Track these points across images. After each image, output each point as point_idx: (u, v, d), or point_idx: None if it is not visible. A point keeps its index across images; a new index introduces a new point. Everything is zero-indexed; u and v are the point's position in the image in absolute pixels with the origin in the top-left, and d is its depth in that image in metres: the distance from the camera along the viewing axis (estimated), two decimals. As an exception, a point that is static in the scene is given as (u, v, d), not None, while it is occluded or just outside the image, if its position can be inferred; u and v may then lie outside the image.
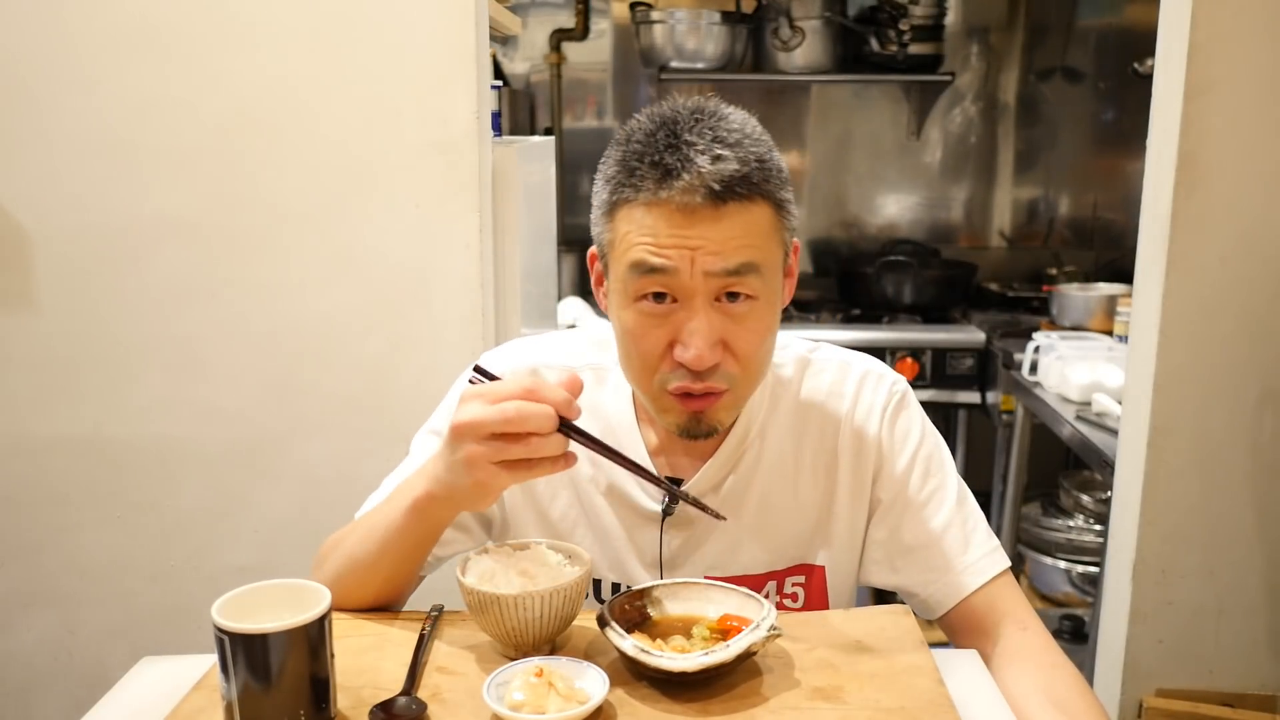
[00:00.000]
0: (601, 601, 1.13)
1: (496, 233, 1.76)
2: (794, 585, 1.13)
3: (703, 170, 0.92)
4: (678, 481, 1.10)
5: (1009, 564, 1.11)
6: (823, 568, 1.13)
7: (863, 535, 1.14)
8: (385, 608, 1.06)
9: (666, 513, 1.10)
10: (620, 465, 0.95)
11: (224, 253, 1.68)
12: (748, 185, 0.94)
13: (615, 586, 1.13)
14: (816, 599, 1.14)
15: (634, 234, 0.96)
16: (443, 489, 0.94)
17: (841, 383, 1.14)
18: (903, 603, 1.08)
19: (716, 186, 0.92)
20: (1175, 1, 1.62)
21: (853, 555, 1.14)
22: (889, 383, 1.14)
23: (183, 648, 1.02)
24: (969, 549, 1.10)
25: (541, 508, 1.14)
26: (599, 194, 1.01)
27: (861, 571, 1.15)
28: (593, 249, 1.05)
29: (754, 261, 0.96)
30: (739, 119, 0.98)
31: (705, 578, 1.09)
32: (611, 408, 1.13)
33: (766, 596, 1.12)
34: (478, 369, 0.96)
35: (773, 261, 0.98)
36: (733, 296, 0.97)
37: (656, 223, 0.94)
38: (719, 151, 0.93)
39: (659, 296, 0.97)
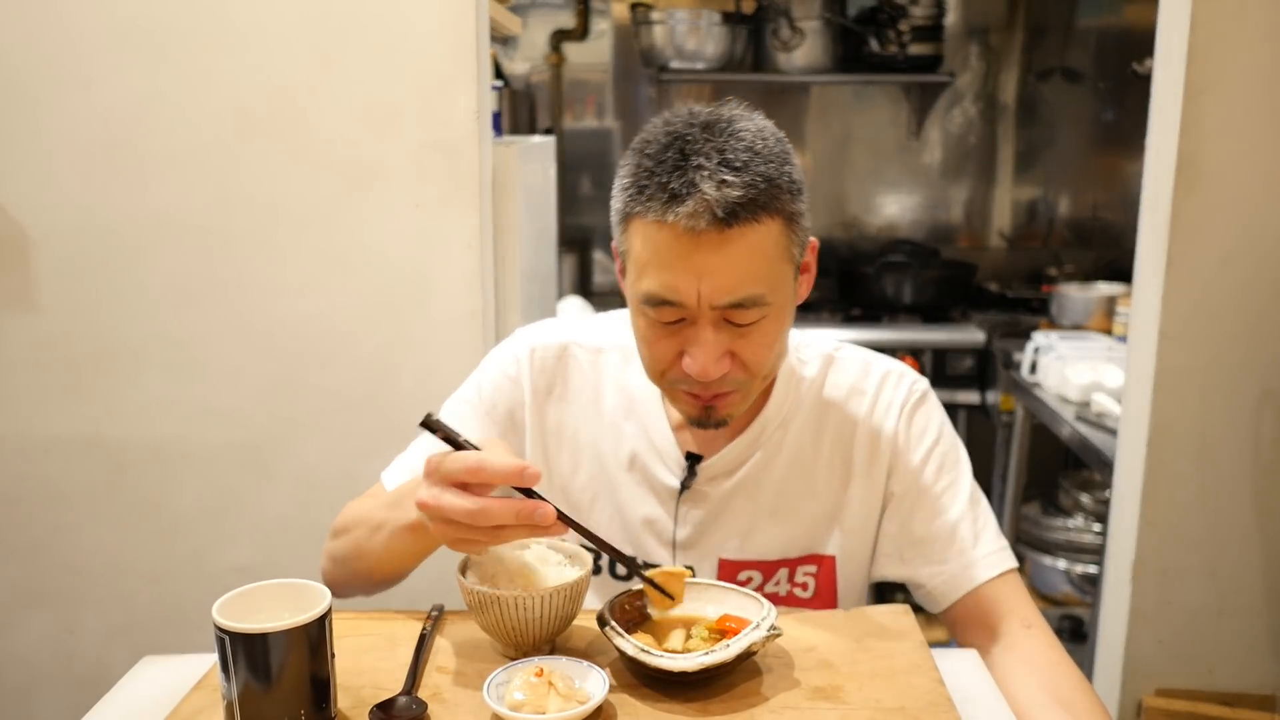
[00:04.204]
0: (615, 576, 1.16)
1: (496, 233, 1.76)
2: (805, 575, 1.15)
3: (707, 197, 0.93)
4: (695, 459, 1.13)
5: (1017, 565, 1.13)
6: (833, 557, 1.15)
7: (875, 528, 1.16)
8: (390, 583, 1.13)
9: (684, 486, 1.13)
10: (583, 536, 0.94)
11: (224, 253, 1.68)
12: (753, 208, 0.95)
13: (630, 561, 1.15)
14: (827, 589, 1.15)
15: (645, 253, 0.98)
16: (429, 529, 0.94)
17: (863, 379, 1.17)
18: (905, 601, 1.09)
19: (720, 213, 0.93)
20: (1175, 1, 1.62)
21: (865, 548, 1.16)
22: (910, 381, 1.17)
23: (183, 648, 1.02)
24: (979, 544, 1.12)
25: (562, 481, 1.18)
26: (615, 198, 1.02)
27: (873, 565, 1.17)
28: (614, 243, 1.07)
29: (758, 294, 0.97)
30: (751, 133, 0.97)
31: (720, 560, 1.12)
32: (637, 387, 1.16)
33: (778, 584, 1.13)
34: (430, 422, 0.91)
35: (780, 279, 1.00)
36: (736, 317, 0.99)
37: (664, 244, 0.96)
38: (724, 176, 0.94)
39: (670, 320, 1.00)
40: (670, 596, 0.95)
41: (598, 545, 0.94)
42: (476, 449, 0.88)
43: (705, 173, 0.94)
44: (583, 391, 1.18)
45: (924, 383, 1.18)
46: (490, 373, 1.20)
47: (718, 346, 0.99)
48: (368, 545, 1.06)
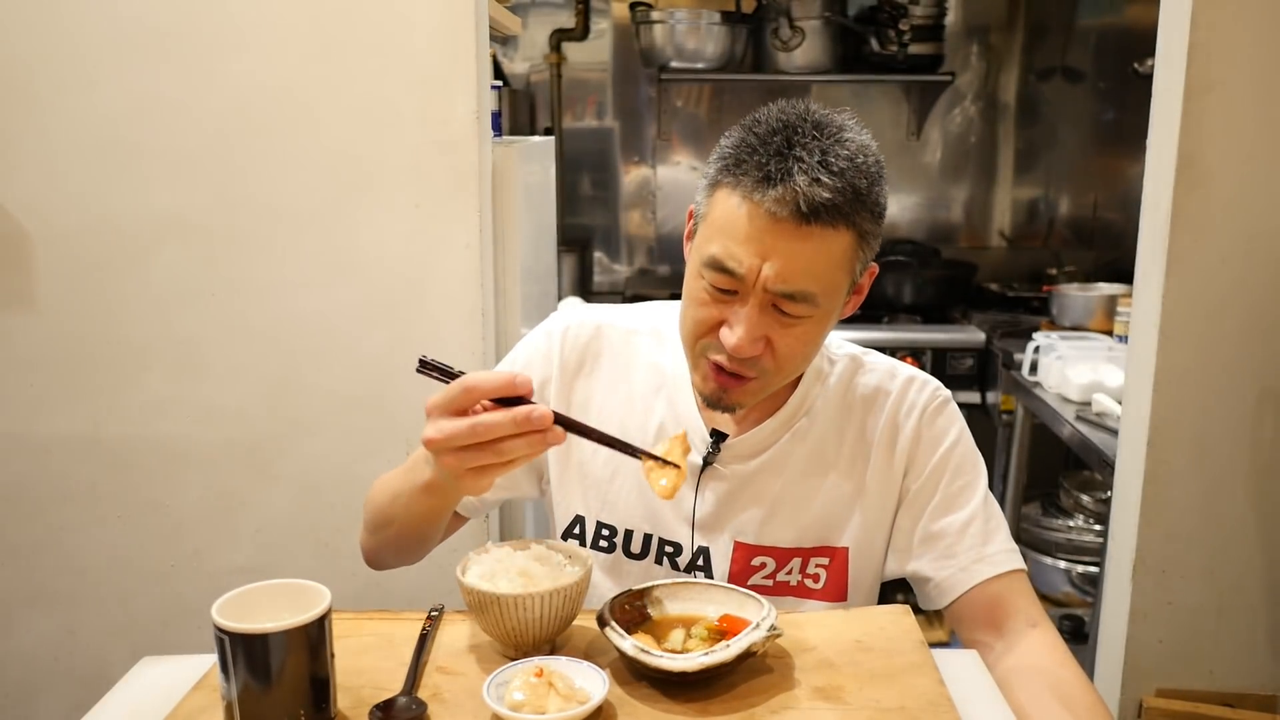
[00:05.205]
0: (630, 555, 1.18)
1: (496, 233, 1.76)
2: (817, 566, 1.17)
3: (798, 189, 0.97)
4: (721, 436, 1.15)
5: (1025, 567, 1.14)
6: (846, 549, 1.17)
7: (890, 524, 1.18)
8: (419, 548, 1.16)
9: (706, 462, 1.16)
10: (585, 436, 0.96)
11: (224, 253, 1.68)
12: (835, 214, 0.98)
13: (647, 538, 1.17)
14: (837, 582, 1.17)
15: (722, 220, 1.02)
16: (441, 481, 0.96)
17: (889, 382, 1.20)
18: (905, 601, 1.09)
19: (804, 207, 0.97)
20: (1175, 1, 1.62)
21: (878, 543, 1.18)
22: (932, 388, 1.21)
23: (183, 648, 1.02)
24: (989, 543, 1.14)
25: (583, 456, 1.21)
26: (710, 164, 1.06)
27: (885, 560, 1.19)
28: (692, 206, 1.11)
29: (811, 292, 1.01)
30: (855, 145, 1.01)
31: (735, 543, 1.15)
32: (669, 367, 1.20)
33: (791, 573, 1.15)
34: (424, 362, 0.94)
35: (834, 288, 1.04)
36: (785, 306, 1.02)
37: (743, 218, 1.00)
38: (819, 175, 0.97)
39: (723, 288, 1.03)
40: (676, 465, 0.96)
41: (601, 440, 0.96)
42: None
43: (803, 166, 0.98)
44: (613, 369, 1.22)
45: (947, 392, 1.21)
46: (525, 348, 1.26)
47: (759, 328, 1.02)
48: (390, 511, 1.09)
